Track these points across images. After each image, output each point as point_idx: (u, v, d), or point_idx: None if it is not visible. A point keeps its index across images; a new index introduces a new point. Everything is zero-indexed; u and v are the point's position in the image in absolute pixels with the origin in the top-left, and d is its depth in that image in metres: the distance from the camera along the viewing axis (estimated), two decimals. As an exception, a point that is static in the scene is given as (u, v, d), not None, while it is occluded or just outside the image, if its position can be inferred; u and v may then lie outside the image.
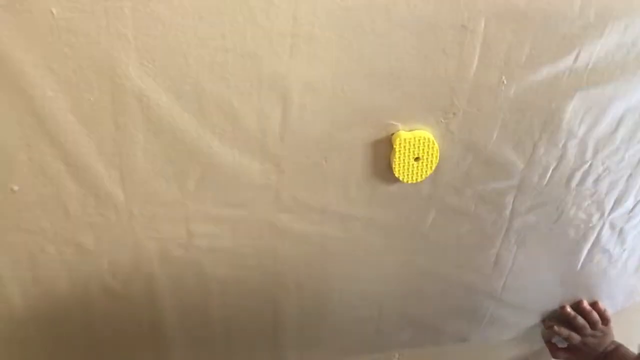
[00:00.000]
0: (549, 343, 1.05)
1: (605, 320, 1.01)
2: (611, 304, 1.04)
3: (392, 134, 0.68)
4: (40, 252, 0.67)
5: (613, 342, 1.01)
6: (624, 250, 0.93)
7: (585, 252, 0.91)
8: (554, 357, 1.05)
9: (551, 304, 0.99)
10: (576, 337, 0.99)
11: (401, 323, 0.92)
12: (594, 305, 1.01)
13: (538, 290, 0.95)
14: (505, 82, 0.66)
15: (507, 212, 0.81)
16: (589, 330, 0.99)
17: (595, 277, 0.96)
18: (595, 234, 0.89)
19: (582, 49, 0.66)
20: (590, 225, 0.87)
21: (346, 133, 0.66)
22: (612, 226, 0.89)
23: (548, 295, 0.97)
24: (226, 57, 0.57)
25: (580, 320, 0.99)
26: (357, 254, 0.80)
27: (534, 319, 1.01)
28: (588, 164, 0.78)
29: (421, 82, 0.64)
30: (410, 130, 0.68)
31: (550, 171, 0.78)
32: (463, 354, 1.03)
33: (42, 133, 0.58)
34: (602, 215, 0.86)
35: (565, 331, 0.99)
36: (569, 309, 0.99)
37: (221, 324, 0.83)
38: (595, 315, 0.99)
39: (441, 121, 0.68)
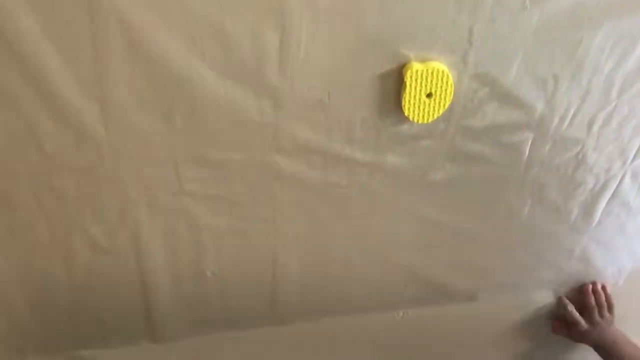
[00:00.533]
0: (554, 320, 1.03)
1: (610, 305, 0.99)
2: (623, 265, 0.99)
3: (403, 66, 0.62)
4: (16, 197, 0.61)
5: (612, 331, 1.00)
6: (644, 202, 0.88)
7: (604, 203, 0.85)
8: (554, 331, 1.02)
9: (565, 261, 0.94)
10: (583, 325, 0.98)
11: (407, 280, 0.86)
12: (602, 288, 1.00)
13: (552, 245, 0.90)
14: (528, 7, 0.60)
15: (524, 157, 0.75)
16: (596, 316, 0.98)
17: (611, 232, 0.91)
18: (616, 184, 0.83)
19: (615, -30, 0.59)
20: (612, 173, 0.81)
21: (352, 63, 0.60)
22: (634, 175, 0.82)
23: (562, 251, 0.91)
24: (217, -28, 0.51)
25: (592, 301, 0.98)
26: (362, 203, 0.74)
27: (547, 276, 0.96)
28: (613, 104, 0.72)
29: (436, 4, 0.57)
30: (422, 62, 0.62)
31: (572, 112, 0.71)
32: (469, 314, 0.98)
33: (11, 58, 0.51)
34: (624, 162, 0.80)
35: (576, 316, 0.98)
36: (589, 287, 0.99)
37: (216, 282, 0.77)
38: (603, 298, 0.99)
39: (457, 51, 0.62)
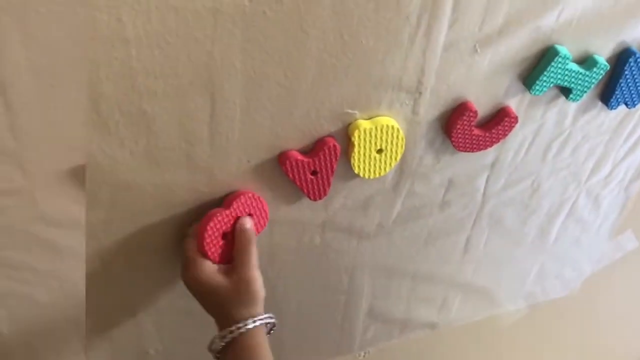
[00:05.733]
0: None
1: None
2: (578, 273, 0.98)
3: (349, 125, 0.55)
4: None
5: None
6: (597, 216, 0.86)
7: (559, 223, 0.83)
8: None
9: (523, 281, 0.92)
10: None
11: (367, 324, 0.82)
12: None
13: (509, 268, 0.87)
14: (478, 50, 0.55)
15: (479, 194, 0.71)
16: None
17: (568, 247, 0.89)
18: (570, 204, 0.81)
19: (566, 5, 0.55)
20: (567, 195, 0.79)
21: (292, 127, 0.53)
22: (589, 194, 0.80)
23: (520, 272, 0.89)
24: None
25: None
26: (313, 261, 0.68)
27: (505, 297, 0.94)
28: (567, 132, 0.69)
29: (380, 58, 0.51)
30: (370, 119, 0.56)
31: (527, 145, 0.67)
32: (429, 341, 0.95)
33: None
34: (579, 184, 0.78)
35: None
36: None
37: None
38: None
39: (406, 103, 0.56)
